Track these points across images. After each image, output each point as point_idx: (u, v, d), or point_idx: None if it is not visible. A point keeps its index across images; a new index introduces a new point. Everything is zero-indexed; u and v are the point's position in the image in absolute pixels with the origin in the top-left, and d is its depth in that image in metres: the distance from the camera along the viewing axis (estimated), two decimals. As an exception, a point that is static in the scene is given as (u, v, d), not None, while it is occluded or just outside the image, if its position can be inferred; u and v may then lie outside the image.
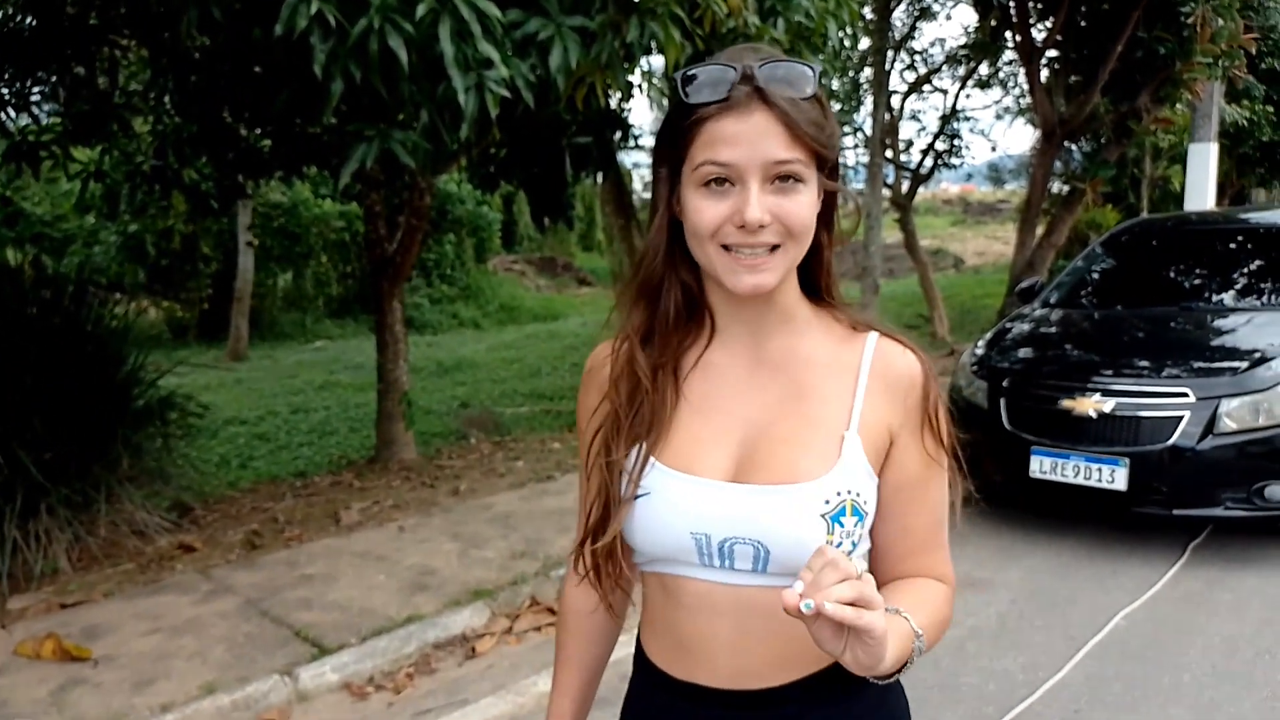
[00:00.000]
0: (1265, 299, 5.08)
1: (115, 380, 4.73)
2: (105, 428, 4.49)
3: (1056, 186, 10.50)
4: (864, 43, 10.04)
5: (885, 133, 10.70)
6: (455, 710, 3.13)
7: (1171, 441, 4.18)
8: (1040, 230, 9.53)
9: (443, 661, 3.48)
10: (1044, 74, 9.09)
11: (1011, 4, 8.53)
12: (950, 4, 11.22)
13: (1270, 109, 11.03)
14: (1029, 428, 4.53)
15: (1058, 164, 9.83)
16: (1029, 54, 8.82)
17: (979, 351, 5.15)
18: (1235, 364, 4.40)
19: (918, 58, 12.34)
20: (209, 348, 11.51)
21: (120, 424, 4.58)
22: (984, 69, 12.31)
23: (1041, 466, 4.42)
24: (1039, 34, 8.85)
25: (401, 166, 3.30)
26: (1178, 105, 8.69)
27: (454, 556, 4.23)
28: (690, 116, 0.97)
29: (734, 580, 1.02)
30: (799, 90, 0.96)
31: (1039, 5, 8.76)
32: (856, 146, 12.03)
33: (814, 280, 1.09)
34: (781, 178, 0.96)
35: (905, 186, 12.25)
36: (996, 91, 13.44)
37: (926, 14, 11.51)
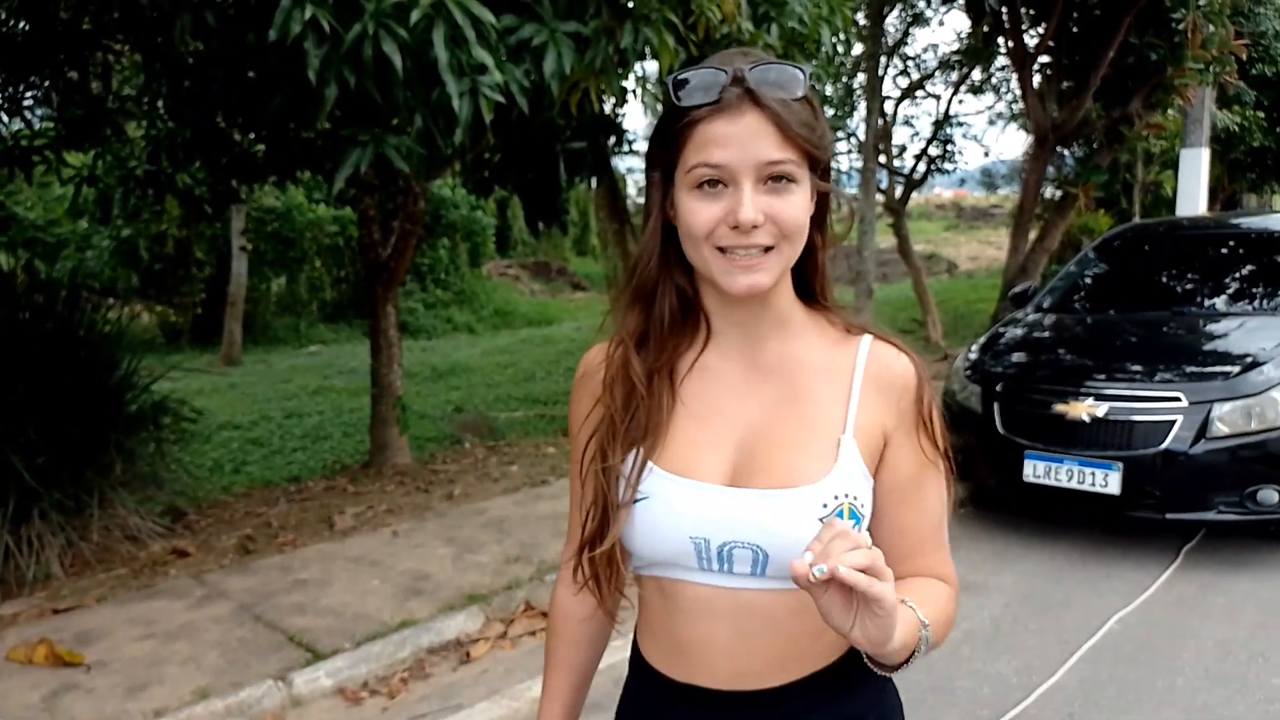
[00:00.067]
0: (1257, 304, 5.11)
1: (108, 385, 4.72)
2: (98, 432, 4.48)
3: (1049, 191, 10.55)
4: (857, 48, 10.06)
5: (879, 138, 10.72)
6: (449, 715, 3.12)
7: (1164, 446, 4.20)
8: (1033, 235, 9.56)
9: (437, 666, 3.48)
10: (1036, 79, 9.14)
11: (1004, 10, 8.56)
12: (943, 10, 11.24)
13: (1261, 114, 11.08)
14: (1022, 432, 4.55)
15: (1050, 169, 9.87)
16: (1021, 60, 8.86)
17: (972, 356, 5.17)
18: (1227, 368, 4.42)
19: (911, 63, 12.38)
20: (202, 352, 11.47)
21: (113, 429, 4.57)
22: (977, 74, 12.36)
23: (1035, 471, 4.43)
24: (1031, 40, 8.90)
25: (396, 171, 3.29)
26: (1169, 111, 8.72)
27: (448, 561, 4.22)
28: (682, 119, 0.98)
29: (732, 583, 1.02)
30: (790, 92, 0.96)
31: (1031, 11, 8.80)
32: (850, 152, 12.04)
33: (808, 283, 1.09)
34: (774, 178, 0.96)
35: (899, 191, 12.27)
36: (989, 97, 13.46)
37: (919, 20, 11.53)
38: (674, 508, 1.03)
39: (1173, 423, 4.21)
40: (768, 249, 0.98)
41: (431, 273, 14.67)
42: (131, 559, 4.30)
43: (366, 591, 3.90)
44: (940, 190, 33.46)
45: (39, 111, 4.79)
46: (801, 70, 0.98)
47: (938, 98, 21.64)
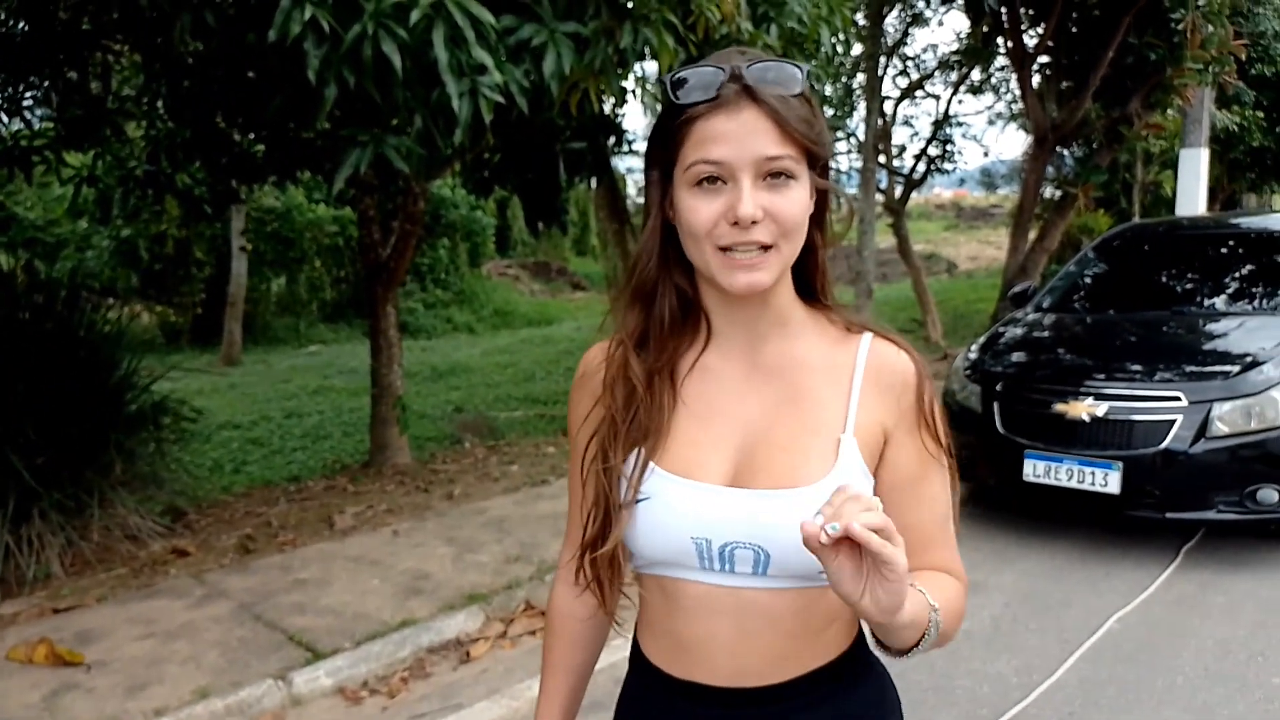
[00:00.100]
0: (1256, 303, 5.11)
1: (108, 385, 4.72)
2: (98, 432, 4.48)
3: (1049, 191, 10.55)
4: (857, 48, 10.06)
5: (878, 138, 10.72)
6: (449, 715, 3.12)
7: (1164, 445, 4.20)
8: (1033, 235, 9.57)
9: (437, 666, 3.48)
10: (1036, 80, 9.14)
11: (1003, 10, 8.56)
12: (942, 10, 11.24)
13: (1260, 114, 11.09)
14: (1022, 431, 4.55)
15: (1050, 169, 9.87)
16: (1021, 60, 8.86)
17: (972, 356, 5.17)
18: (1227, 368, 4.42)
19: (910, 63, 12.40)
20: (202, 352, 11.47)
21: (113, 429, 4.57)
22: (976, 75, 12.38)
23: (1035, 470, 4.43)
24: (1031, 40, 8.90)
25: (395, 171, 3.29)
26: (1168, 111, 8.73)
27: (448, 561, 4.22)
28: (680, 117, 0.98)
29: (734, 583, 1.02)
30: (788, 88, 0.97)
31: (1030, 11, 8.80)
32: (850, 152, 12.04)
33: (809, 282, 1.09)
34: (773, 174, 0.96)
35: (898, 191, 12.28)
36: (989, 97, 13.48)
37: (919, 20, 11.54)
38: (675, 508, 1.02)
39: (1172, 422, 4.21)
40: (767, 247, 0.97)
41: (431, 273, 14.67)
42: (131, 559, 4.30)
43: (366, 591, 3.90)
44: (940, 190, 33.48)
45: (39, 111, 4.79)
46: (799, 68, 0.98)
47: (937, 98, 21.68)
